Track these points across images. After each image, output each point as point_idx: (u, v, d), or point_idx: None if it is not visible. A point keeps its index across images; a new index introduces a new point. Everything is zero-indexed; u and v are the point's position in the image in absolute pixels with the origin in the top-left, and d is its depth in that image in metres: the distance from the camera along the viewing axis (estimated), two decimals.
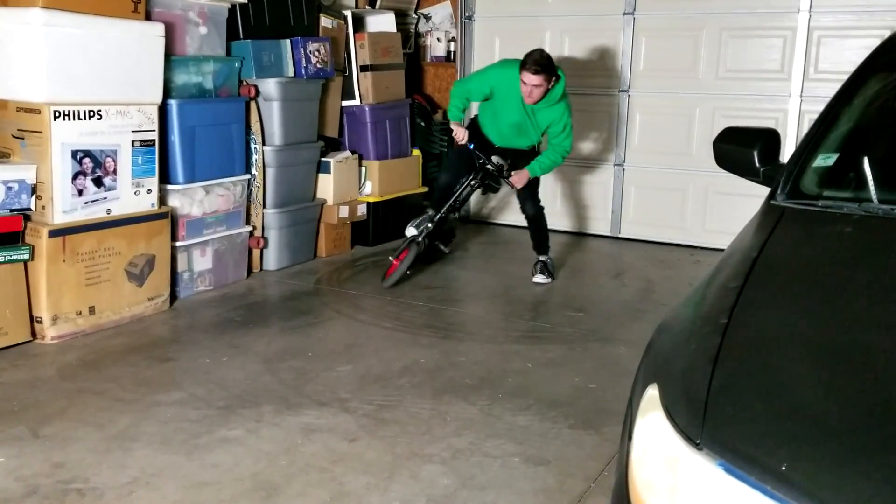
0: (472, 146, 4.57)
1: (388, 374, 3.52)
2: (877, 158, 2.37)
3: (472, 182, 4.87)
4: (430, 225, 4.78)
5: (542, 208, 4.98)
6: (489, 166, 4.68)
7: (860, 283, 1.82)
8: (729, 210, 5.58)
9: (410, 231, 4.84)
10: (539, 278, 4.96)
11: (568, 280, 5.12)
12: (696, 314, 1.78)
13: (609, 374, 3.56)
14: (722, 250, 2.20)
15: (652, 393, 1.57)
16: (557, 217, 6.39)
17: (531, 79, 4.35)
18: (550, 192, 6.37)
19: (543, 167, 4.73)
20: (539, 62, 4.34)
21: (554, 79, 4.46)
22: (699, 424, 1.43)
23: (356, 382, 3.41)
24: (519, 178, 4.69)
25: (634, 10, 5.86)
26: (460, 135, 4.67)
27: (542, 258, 5.04)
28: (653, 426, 1.52)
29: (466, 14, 6.54)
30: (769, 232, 2.08)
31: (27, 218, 3.73)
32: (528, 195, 4.91)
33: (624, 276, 5.24)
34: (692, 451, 1.40)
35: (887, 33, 4.81)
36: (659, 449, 1.48)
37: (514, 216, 6.09)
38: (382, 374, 3.50)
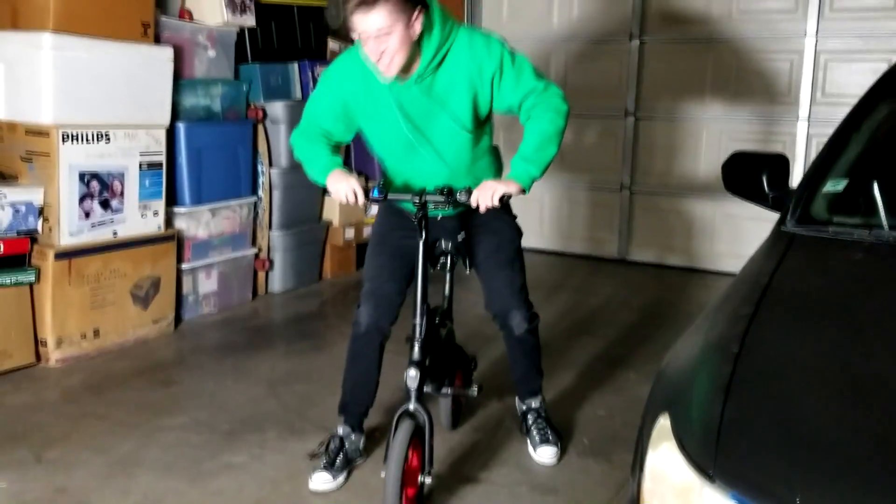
0: (376, 193, 2.47)
1: (393, 398, 3.48)
2: (887, 184, 2.35)
3: (447, 265, 2.78)
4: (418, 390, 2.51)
5: (536, 317, 2.82)
6: (428, 198, 2.49)
7: (873, 312, 1.80)
8: (738, 234, 5.57)
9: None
10: (546, 453, 2.90)
11: (575, 304, 5.09)
12: (706, 342, 1.76)
13: (618, 400, 3.53)
14: (731, 274, 2.18)
15: (663, 422, 1.54)
16: (565, 240, 6.39)
17: (367, 22, 2.27)
18: (556, 216, 6.38)
19: (537, 151, 2.46)
20: None
21: (417, 9, 2.34)
22: (712, 455, 1.40)
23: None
24: (486, 190, 2.41)
25: (641, 33, 5.87)
26: (350, 191, 2.45)
27: (534, 403, 3.00)
28: (664, 456, 1.49)
29: None
30: (779, 258, 2.07)
31: (34, 240, 3.73)
32: (511, 288, 2.73)
33: (632, 299, 5.21)
34: (704, 482, 1.38)
35: (895, 57, 4.82)
36: (671, 479, 1.46)
37: None
38: (387, 398, 3.46)
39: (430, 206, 2.50)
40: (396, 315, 2.75)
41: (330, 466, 2.74)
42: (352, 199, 2.45)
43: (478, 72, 2.49)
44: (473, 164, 2.67)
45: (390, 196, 2.53)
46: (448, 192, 2.44)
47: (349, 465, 2.81)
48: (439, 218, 2.69)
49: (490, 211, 2.58)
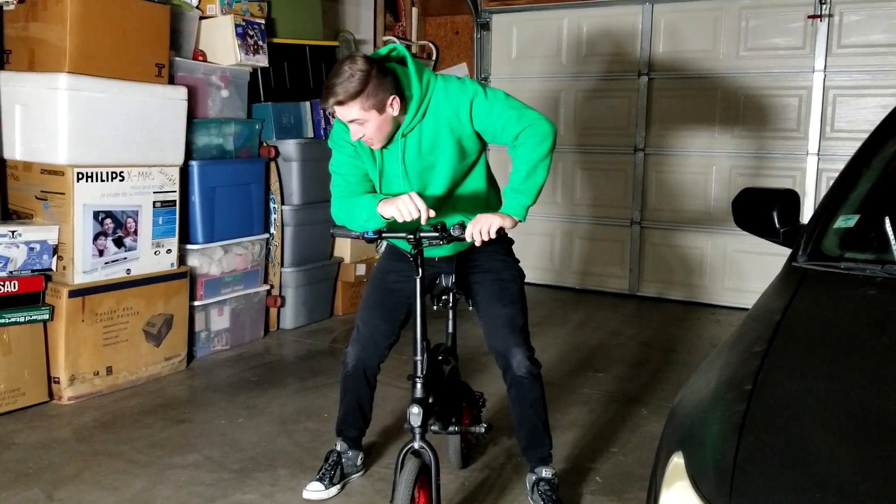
0: (370, 233, 2.47)
1: (405, 435, 3.47)
2: None
3: (442, 303, 2.82)
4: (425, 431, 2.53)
5: (539, 362, 2.72)
6: (423, 235, 2.45)
7: (886, 348, 1.79)
8: (749, 268, 5.56)
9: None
10: None
11: (586, 339, 5.07)
12: (719, 380, 1.74)
13: (631, 437, 3.50)
14: (742, 309, 2.18)
15: (677, 461, 1.53)
16: (576, 276, 6.39)
17: (342, 114, 2.43)
18: (566, 251, 6.38)
19: (526, 181, 2.48)
20: (342, 81, 2.37)
21: (391, 99, 2.44)
22: (726, 495, 1.39)
23: (372, 444, 3.36)
24: (481, 223, 2.41)
25: (649, 70, 5.92)
26: (408, 200, 2.38)
27: (546, 473, 2.80)
28: (678, 495, 1.48)
29: (482, 76, 6.63)
30: (792, 294, 2.06)
31: (48, 278, 3.76)
32: (512, 326, 2.66)
33: (644, 335, 5.19)
34: None
35: None
36: None
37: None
38: (399, 436, 3.45)
39: (425, 242, 2.46)
40: (385, 354, 2.85)
41: (325, 478, 2.93)
42: (418, 206, 2.35)
43: (455, 112, 2.53)
44: (469, 198, 2.69)
45: (385, 235, 2.50)
46: (442, 228, 2.41)
47: (344, 479, 3.00)
48: (437, 259, 2.70)
49: (491, 251, 2.70)
